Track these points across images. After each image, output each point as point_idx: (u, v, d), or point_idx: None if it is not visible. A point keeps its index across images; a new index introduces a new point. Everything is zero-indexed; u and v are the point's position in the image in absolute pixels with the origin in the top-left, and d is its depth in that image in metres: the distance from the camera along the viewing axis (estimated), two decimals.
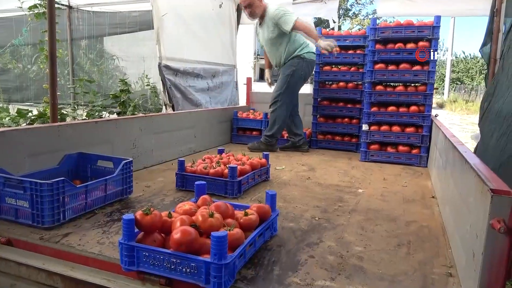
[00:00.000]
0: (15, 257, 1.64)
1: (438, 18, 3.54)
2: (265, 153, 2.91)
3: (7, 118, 5.13)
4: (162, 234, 1.50)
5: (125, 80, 5.49)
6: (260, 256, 1.56)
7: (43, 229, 1.76)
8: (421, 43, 3.59)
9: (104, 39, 6.84)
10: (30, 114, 5.06)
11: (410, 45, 3.64)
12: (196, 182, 1.93)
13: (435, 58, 3.59)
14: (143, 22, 5.88)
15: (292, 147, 4.09)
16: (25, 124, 4.93)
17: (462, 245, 1.43)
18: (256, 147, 3.97)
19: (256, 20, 4.05)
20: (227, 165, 2.46)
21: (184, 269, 1.31)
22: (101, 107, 5.62)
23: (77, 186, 1.92)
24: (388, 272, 1.47)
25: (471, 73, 29.29)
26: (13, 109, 5.60)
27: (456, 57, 30.22)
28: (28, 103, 7.08)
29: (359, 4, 27.13)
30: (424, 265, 1.53)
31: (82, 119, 5.32)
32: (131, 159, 2.26)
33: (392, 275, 1.44)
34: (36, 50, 6.77)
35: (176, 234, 1.34)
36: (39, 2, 4.98)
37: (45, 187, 1.74)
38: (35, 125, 3.93)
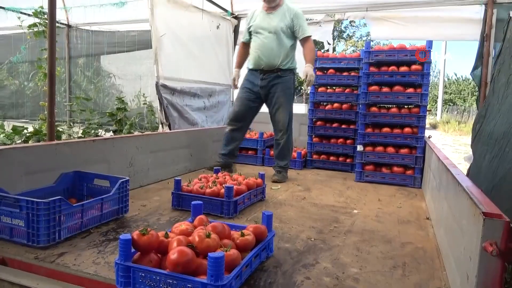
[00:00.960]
0: (9, 277, 1.62)
1: (430, 43, 3.65)
2: (260, 173, 2.93)
3: (1, 135, 5.12)
4: (159, 255, 1.50)
5: (122, 98, 5.52)
6: (256, 277, 1.56)
7: (38, 249, 1.75)
8: (414, 67, 3.68)
9: (101, 57, 6.92)
10: (25, 131, 5.05)
11: (403, 68, 3.73)
12: (192, 202, 1.94)
13: (429, 79, 3.68)
14: (141, 42, 5.97)
15: None
16: (20, 141, 4.92)
17: (456, 267, 1.45)
18: (282, 178, 3.58)
19: (259, 8, 3.64)
20: (223, 185, 2.47)
21: None
22: (97, 125, 5.63)
23: (74, 205, 1.92)
24: None
25: (463, 94, 29.73)
26: (8, 125, 5.59)
27: (448, 79, 30.76)
28: (24, 120, 7.08)
29: (353, 26, 27.68)
30: (419, 287, 1.54)
31: (78, 137, 5.33)
32: (128, 178, 2.27)
33: None
34: (33, 67, 6.82)
35: (173, 255, 1.35)
36: (38, 21, 5.05)
37: (42, 205, 1.74)
38: (33, 143, 3.93)
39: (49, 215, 1.77)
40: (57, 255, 1.70)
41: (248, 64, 3.75)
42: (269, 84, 3.59)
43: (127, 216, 2.30)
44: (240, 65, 3.91)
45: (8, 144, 4.58)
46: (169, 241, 1.48)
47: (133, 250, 1.44)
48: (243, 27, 5.71)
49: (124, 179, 2.25)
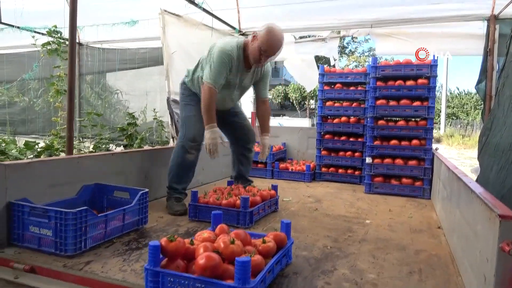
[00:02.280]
0: (39, 284, 1.69)
1: (435, 58, 3.75)
2: (273, 184, 3.00)
3: (14, 150, 5.22)
4: (185, 261, 1.56)
5: (133, 114, 5.64)
6: (278, 283, 1.61)
7: (66, 257, 1.81)
8: (420, 81, 3.78)
9: (108, 74, 7.06)
10: (37, 146, 5.15)
11: (409, 82, 3.82)
12: (213, 212, 2.02)
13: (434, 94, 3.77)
14: (151, 58, 6.12)
15: None
16: (32, 155, 5.01)
17: (472, 271, 1.50)
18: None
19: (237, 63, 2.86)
20: (239, 196, 2.54)
21: None
22: (108, 140, 5.73)
23: (99, 215, 1.99)
24: None
25: (466, 108, 29.84)
26: (18, 141, 5.70)
27: (450, 93, 30.93)
28: (34, 136, 7.20)
29: (355, 42, 28.02)
30: None
31: (89, 151, 5.42)
32: (147, 190, 2.35)
33: None
34: (42, 84, 6.98)
35: (201, 260, 1.41)
36: (52, 39, 5.22)
37: (70, 216, 1.82)
38: (58, 157, 4.02)
39: (76, 225, 1.84)
40: (84, 263, 1.77)
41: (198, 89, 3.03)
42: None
43: (146, 227, 2.36)
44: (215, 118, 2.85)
45: (21, 159, 4.68)
46: (195, 248, 1.54)
47: (161, 256, 1.51)
48: None
49: (144, 191, 2.32)
